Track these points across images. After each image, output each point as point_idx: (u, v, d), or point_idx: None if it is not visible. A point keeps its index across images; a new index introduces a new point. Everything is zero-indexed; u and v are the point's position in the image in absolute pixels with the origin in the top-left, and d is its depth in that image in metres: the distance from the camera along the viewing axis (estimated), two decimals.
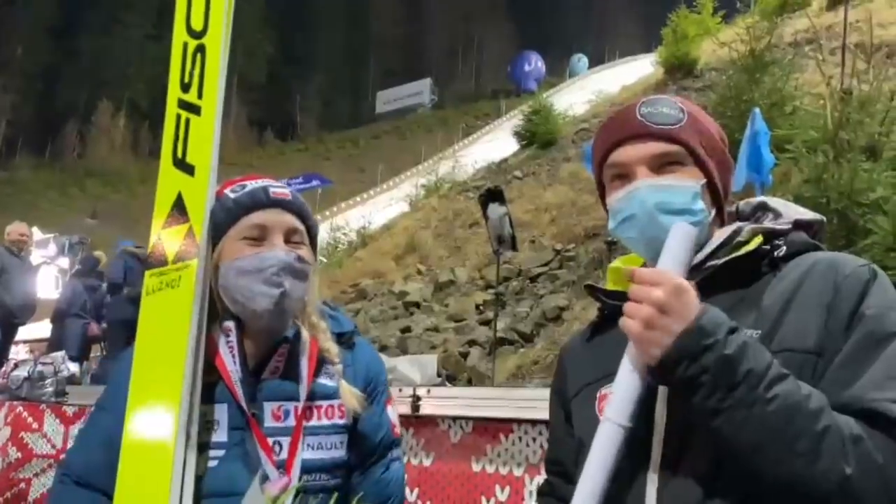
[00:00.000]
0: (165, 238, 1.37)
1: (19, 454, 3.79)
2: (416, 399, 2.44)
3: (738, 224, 1.16)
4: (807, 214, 1.16)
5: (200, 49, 1.41)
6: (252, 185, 1.42)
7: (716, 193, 1.16)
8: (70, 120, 59.65)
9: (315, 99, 70.99)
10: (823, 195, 5.29)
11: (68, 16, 62.67)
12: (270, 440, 1.33)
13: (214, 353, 1.35)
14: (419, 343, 8.94)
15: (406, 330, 9.79)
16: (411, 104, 58.64)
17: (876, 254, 4.52)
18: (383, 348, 8.56)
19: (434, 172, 21.06)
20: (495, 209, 7.48)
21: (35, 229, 9.74)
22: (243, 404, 1.33)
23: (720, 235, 1.15)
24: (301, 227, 1.42)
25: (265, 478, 1.23)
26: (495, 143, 24.20)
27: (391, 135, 52.07)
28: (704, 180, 1.13)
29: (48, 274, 10.89)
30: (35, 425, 3.80)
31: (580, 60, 47.20)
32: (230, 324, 1.36)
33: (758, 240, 1.10)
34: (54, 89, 61.97)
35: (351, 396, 1.44)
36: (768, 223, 1.15)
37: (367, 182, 33.05)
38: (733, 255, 1.09)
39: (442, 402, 2.43)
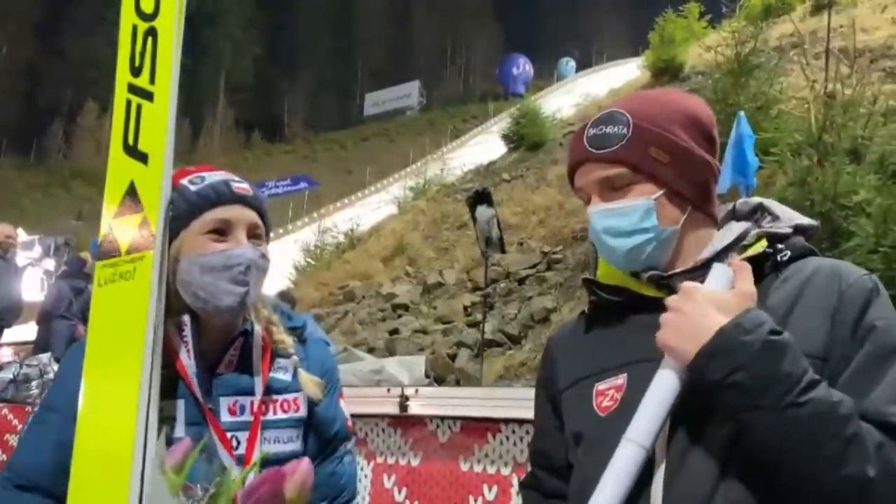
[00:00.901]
0: (117, 228, 1.32)
1: (4, 456, 3.76)
2: (403, 399, 2.45)
3: (742, 225, 1.16)
4: (804, 219, 1.17)
5: (151, 32, 1.35)
6: (212, 177, 1.39)
7: (682, 197, 1.14)
8: (55, 120, 59.19)
9: (303, 100, 70.74)
10: (808, 198, 5.35)
11: (53, 14, 62.19)
12: (228, 435, 1.33)
13: (169, 348, 1.32)
14: (407, 345, 8.94)
15: (394, 332, 9.79)
16: (400, 106, 58.63)
17: (858, 256, 4.57)
18: (371, 350, 8.56)
19: (422, 175, 21.07)
20: (483, 211, 7.50)
21: (20, 231, 9.65)
22: (200, 399, 1.32)
23: (725, 236, 1.15)
24: (261, 222, 1.41)
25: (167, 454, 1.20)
26: (483, 146, 24.25)
27: (379, 137, 52.04)
28: (659, 192, 1.13)
29: (33, 276, 10.79)
30: (20, 427, 3.78)
31: (568, 64, 47.42)
32: (186, 318, 1.34)
33: (763, 243, 1.11)
34: (39, 89, 61.47)
35: (310, 383, 1.45)
36: (768, 226, 1.16)
37: (355, 184, 33.01)
38: (741, 256, 1.10)
39: (430, 401, 2.44)
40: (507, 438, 2.23)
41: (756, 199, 1.23)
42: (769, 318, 0.97)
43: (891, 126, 6.19)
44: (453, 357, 8.36)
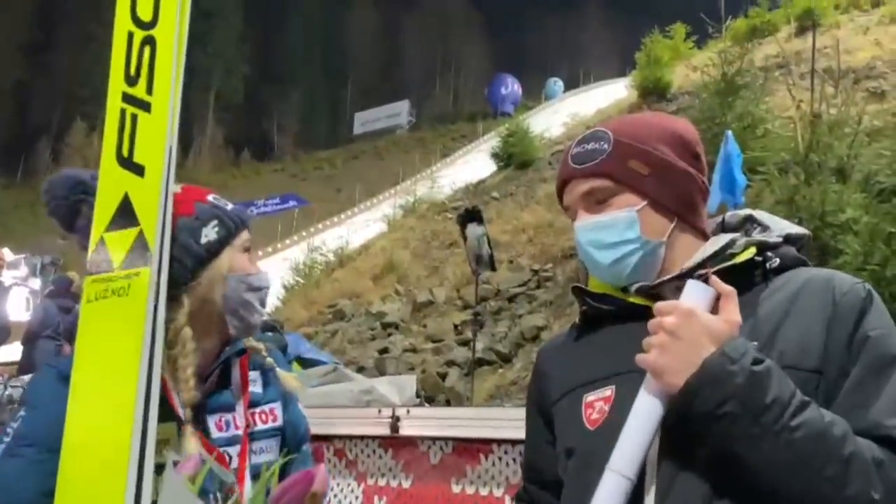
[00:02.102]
0: (110, 242, 1.26)
1: None
2: (395, 420, 2.42)
3: (729, 235, 1.16)
4: (795, 229, 1.18)
5: (149, 41, 1.32)
6: (223, 199, 1.45)
7: (666, 209, 1.15)
8: (43, 139, 58.93)
9: (292, 119, 70.86)
10: (795, 216, 5.39)
11: (41, 32, 62.17)
12: (221, 450, 1.35)
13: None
14: (397, 364, 8.89)
15: (384, 351, 9.75)
16: (389, 125, 58.78)
17: (846, 274, 4.60)
18: (361, 369, 8.50)
19: (412, 193, 21.09)
20: (473, 229, 7.51)
21: (6, 250, 9.55)
22: (185, 420, 1.32)
23: (711, 244, 1.15)
24: None
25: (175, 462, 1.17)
26: (473, 165, 24.33)
27: (369, 155, 52.10)
28: (642, 203, 1.14)
29: (19, 295, 10.68)
30: None
31: (556, 84, 47.74)
32: (187, 333, 1.35)
33: (751, 251, 1.11)
34: (27, 108, 61.24)
35: (290, 379, 1.53)
36: (758, 235, 1.16)
37: (345, 202, 32.98)
38: (726, 264, 1.10)
39: (422, 422, 2.42)
40: (500, 459, 2.21)
41: (746, 211, 1.23)
42: (751, 345, 0.96)
43: (875, 146, 6.27)
44: (444, 376, 8.32)
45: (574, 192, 1.18)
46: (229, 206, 1.43)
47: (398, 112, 59.49)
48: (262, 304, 1.42)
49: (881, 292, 4.05)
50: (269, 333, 6.02)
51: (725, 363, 0.93)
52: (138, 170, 1.28)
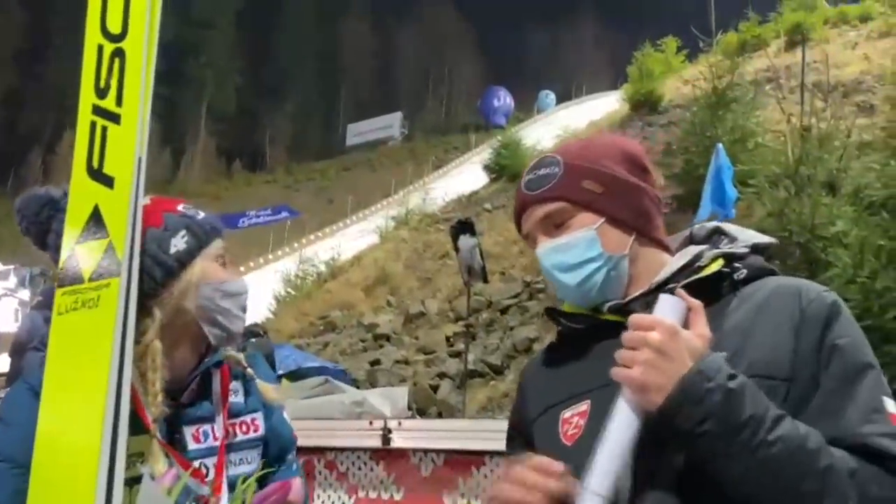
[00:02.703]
0: (80, 253, 1.26)
1: None
2: (386, 432, 2.41)
3: (697, 248, 1.17)
4: (762, 238, 1.19)
5: (119, 53, 1.32)
6: (194, 208, 1.43)
7: (624, 224, 1.17)
8: (34, 149, 58.69)
9: (285, 130, 70.87)
10: (786, 229, 5.42)
11: (32, 42, 62.04)
12: (196, 463, 1.33)
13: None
14: (389, 376, 8.86)
15: (376, 363, 9.70)
16: (381, 137, 58.85)
17: (836, 286, 4.62)
18: (352, 381, 8.46)
19: (404, 204, 21.10)
20: (466, 240, 7.50)
21: None
22: (159, 436, 1.31)
23: (679, 258, 1.16)
24: None
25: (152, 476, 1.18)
26: (465, 176, 24.37)
27: (361, 167, 52.08)
28: (600, 220, 1.15)
29: (8, 306, 10.62)
30: None
31: (548, 97, 48.00)
32: (157, 346, 1.33)
33: (718, 263, 1.12)
34: (18, 117, 61.00)
35: (269, 390, 1.51)
36: (725, 247, 1.17)
37: (337, 214, 32.92)
38: (694, 277, 1.10)
39: (413, 434, 2.41)
40: (492, 472, 2.20)
41: (713, 223, 1.25)
42: (723, 361, 0.97)
43: (865, 159, 6.32)
44: (436, 388, 8.29)
45: (531, 218, 1.20)
46: (200, 216, 1.41)
47: (391, 123, 59.58)
48: (243, 310, 1.40)
49: (871, 305, 4.06)
50: (254, 340, 5.98)
51: (703, 381, 0.93)
52: (108, 181, 1.28)
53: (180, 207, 1.40)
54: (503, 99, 52.16)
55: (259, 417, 1.48)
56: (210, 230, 1.39)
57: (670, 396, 0.94)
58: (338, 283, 15.72)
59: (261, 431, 1.47)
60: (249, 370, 1.50)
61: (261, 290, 14.42)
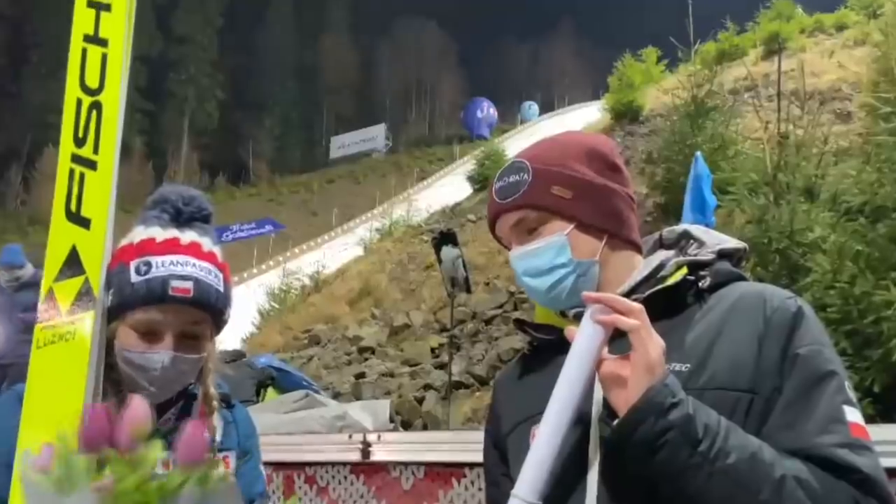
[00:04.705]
0: (59, 291, 1.36)
1: None
2: (366, 445, 2.39)
3: (661, 255, 1.17)
4: (729, 243, 1.17)
5: (96, 106, 1.43)
6: (155, 270, 1.35)
7: (594, 228, 1.16)
8: (13, 166, 58.12)
9: (268, 144, 70.68)
10: (765, 235, 5.44)
11: (11, 59, 61.53)
12: None
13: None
14: (374, 388, 8.80)
15: (360, 375, 9.64)
16: (365, 149, 58.88)
17: (816, 291, 4.65)
18: (337, 395, 8.40)
19: (388, 216, 21.09)
20: (448, 252, 7.49)
21: None
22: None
23: (644, 267, 1.16)
24: (202, 314, 1.38)
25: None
26: (449, 188, 24.44)
27: (345, 179, 52.04)
28: (569, 227, 1.15)
29: None
30: None
31: (531, 107, 48.41)
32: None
33: (682, 272, 1.11)
34: None
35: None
36: (692, 253, 1.16)
37: (321, 226, 32.88)
38: (657, 287, 1.09)
39: (393, 447, 2.39)
40: (473, 483, 2.18)
41: (682, 227, 1.24)
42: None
43: (842, 165, 6.38)
44: (420, 400, 8.24)
45: (504, 225, 1.21)
46: (146, 276, 1.34)
47: (374, 136, 59.66)
48: (151, 382, 1.34)
49: (850, 309, 4.08)
50: (237, 361, 6.03)
51: (668, 395, 0.93)
52: (85, 223, 1.39)
53: (132, 263, 1.36)
54: (486, 110, 52.46)
55: (231, 456, 1.48)
56: (133, 300, 1.33)
57: (634, 407, 0.93)
58: (322, 297, 15.65)
59: (230, 469, 1.47)
60: (225, 411, 1.51)
61: (245, 305, 14.33)
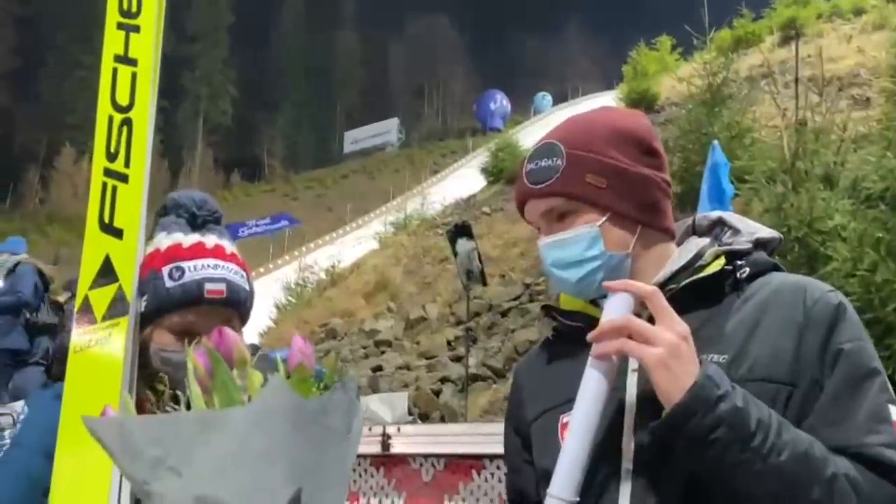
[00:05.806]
0: (94, 299, 1.43)
1: None
2: (385, 438, 2.40)
3: (698, 244, 1.14)
4: (765, 232, 1.15)
5: (127, 122, 1.51)
6: (189, 274, 1.43)
7: (628, 218, 1.12)
8: (31, 166, 58.75)
9: (282, 140, 70.99)
10: (784, 223, 5.39)
11: (26, 59, 62.08)
12: None
13: (142, 409, 1.36)
14: (391, 382, 8.84)
15: (377, 369, 9.68)
16: (379, 143, 58.93)
17: (836, 280, 4.60)
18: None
19: (402, 210, 21.12)
20: (464, 244, 7.49)
21: None
22: None
23: (680, 256, 1.13)
24: (233, 313, 1.46)
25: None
26: (463, 180, 24.41)
27: (359, 174, 52.15)
28: (602, 218, 1.11)
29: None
30: None
31: (544, 98, 48.11)
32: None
33: (720, 261, 1.08)
34: (14, 134, 61.04)
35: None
36: (727, 241, 1.13)
37: (336, 221, 32.96)
38: (696, 276, 1.07)
39: (412, 439, 2.39)
40: (493, 475, 2.19)
41: (716, 214, 1.21)
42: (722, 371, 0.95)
43: (861, 152, 6.30)
44: (438, 393, 8.26)
45: (534, 211, 1.17)
46: (180, 281, 1.42)
47: (388, 130, 59.69)
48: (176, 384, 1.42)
49: (871, 297, 4.04)
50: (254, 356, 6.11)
51: (713, 388, 0.90)
52: (118, 233, 1.47)
53: (164, 269, 1.44)
54: (500, 102, 52.25)
55: None
56: (169, 304, 1.41)
57: (681, 402, 0.91)
58: (338, 291, 15.71)
59: None
60: None
61: (262, 300, 14.40)
